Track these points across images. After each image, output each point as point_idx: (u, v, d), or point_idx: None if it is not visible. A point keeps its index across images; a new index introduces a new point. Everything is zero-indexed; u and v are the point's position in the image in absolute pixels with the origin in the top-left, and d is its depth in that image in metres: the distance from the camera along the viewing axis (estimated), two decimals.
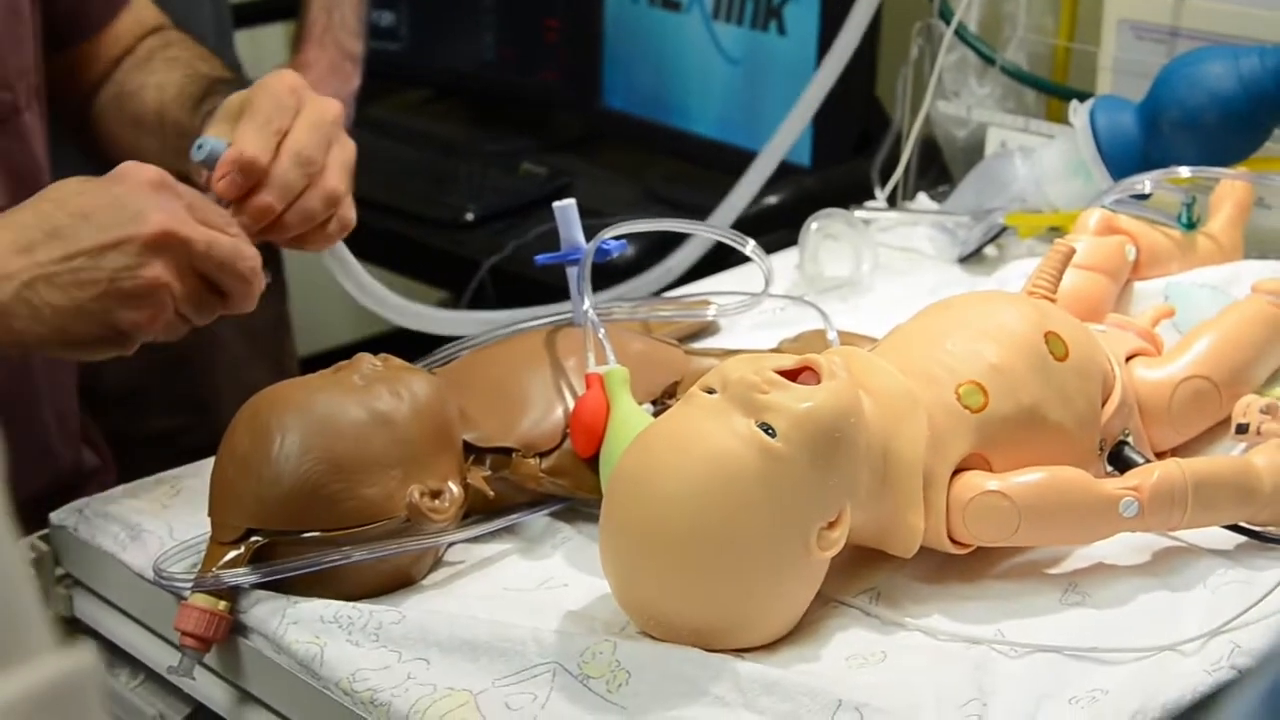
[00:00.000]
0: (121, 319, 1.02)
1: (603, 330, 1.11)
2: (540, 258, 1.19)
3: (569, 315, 1.18)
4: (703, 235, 1.35)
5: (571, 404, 1.09)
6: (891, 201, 1.66)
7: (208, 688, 1.05)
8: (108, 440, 1.45)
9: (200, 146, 1.09)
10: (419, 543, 1.02)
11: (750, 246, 1.24)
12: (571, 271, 1.16)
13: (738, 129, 2.04)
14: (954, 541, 1.00)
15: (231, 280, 1.05)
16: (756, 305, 1.30)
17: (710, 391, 0.96)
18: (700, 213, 1.60)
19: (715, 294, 1.37)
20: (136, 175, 1.04)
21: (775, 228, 1.68)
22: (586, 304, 1.13)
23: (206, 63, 1.31)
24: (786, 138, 1.54)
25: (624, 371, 1.08)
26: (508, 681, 0.93)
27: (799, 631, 0.98)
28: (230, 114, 1.12)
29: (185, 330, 1.07)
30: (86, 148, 1.34)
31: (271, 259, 1.10)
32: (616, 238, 1.15)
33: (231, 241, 1.04)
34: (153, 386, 1.68)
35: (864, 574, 1.02)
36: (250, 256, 1.05)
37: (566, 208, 1.15)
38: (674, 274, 1.38)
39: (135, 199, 1.02)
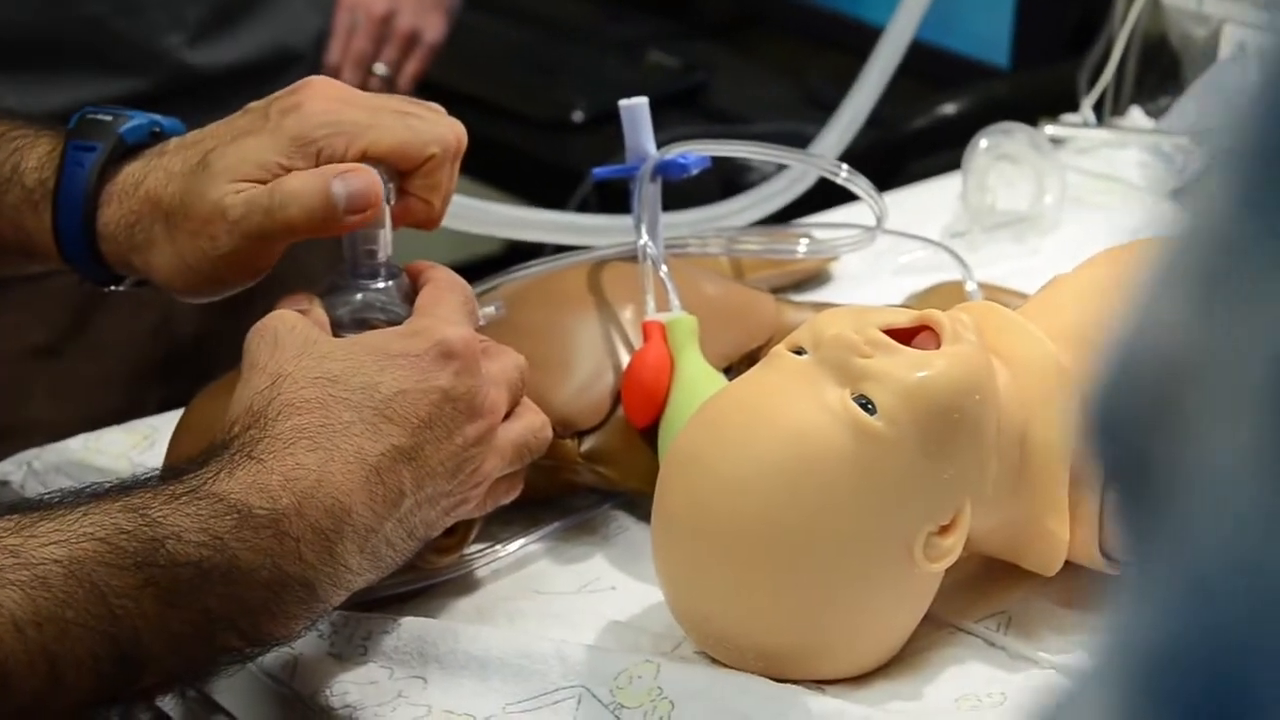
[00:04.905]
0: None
1: (664, 267, 1.09)
2: (598, 171, 1.18)
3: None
4: (786, 163, 1.31)
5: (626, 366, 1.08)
6: (1099, 116, 1.62)
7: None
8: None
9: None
10: (417, 584, 1.03)
11: (844, 174, 1.20)
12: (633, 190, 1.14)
13: (926, 19, 2.01)
14: (1108, 557, 0.98)
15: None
16: (868, 244, 1.27)
17: (799, 352, 0.94)
18: (876, 124, 1.58)
19: (818, 225, 1.34)
20: (427, 338, 0.95)
21: (953, 144, 1.65)
22: (644, 234, 1.11)
23: None
24: (910, 16, 1.49)
25: (691, 320, 1.07)
26: (521, 708, 0.94)
27: (899, 662, 0.96)
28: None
29: None
30: None
31: None
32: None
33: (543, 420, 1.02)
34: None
35: (992, 594, 1.01)
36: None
37: (635, 108, 1.12)
38: (775, 203, 1.35)
39: (453, 379, 0.95)
